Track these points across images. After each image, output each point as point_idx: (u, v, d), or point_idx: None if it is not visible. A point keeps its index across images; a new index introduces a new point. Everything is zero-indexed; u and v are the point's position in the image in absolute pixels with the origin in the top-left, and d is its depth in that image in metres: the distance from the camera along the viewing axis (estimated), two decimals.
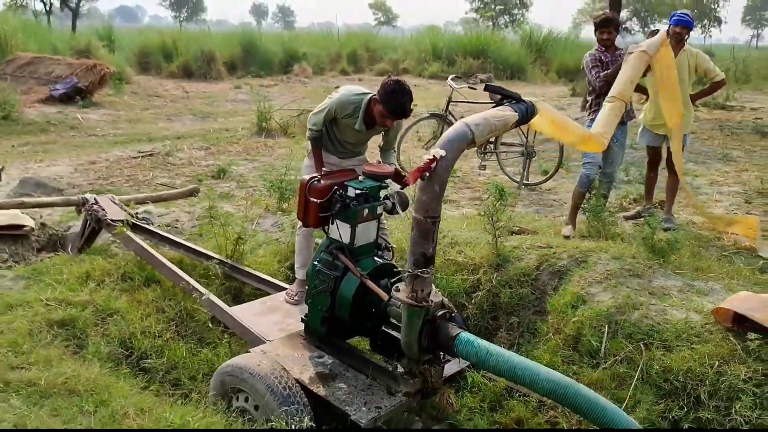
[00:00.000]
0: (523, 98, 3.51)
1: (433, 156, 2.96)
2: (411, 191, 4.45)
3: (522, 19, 50.17)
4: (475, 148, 8.11)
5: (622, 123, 5.47)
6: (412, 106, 4.01)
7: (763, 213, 6.38)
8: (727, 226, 5.37)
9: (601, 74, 5.43)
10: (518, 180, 7.76)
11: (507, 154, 8.08)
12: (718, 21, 53.61)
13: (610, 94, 4.52)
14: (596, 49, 5.64)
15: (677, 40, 5.64)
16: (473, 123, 3.15)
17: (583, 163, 5.65)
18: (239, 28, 33.92)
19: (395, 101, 3.90)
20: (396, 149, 4.26)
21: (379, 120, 4.05)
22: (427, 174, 2.96)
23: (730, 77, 22.06)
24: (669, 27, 5.73)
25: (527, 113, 3.47)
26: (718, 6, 52.45)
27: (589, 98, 5.83)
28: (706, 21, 53.73)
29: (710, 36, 57.79)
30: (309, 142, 4.40)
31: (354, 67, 25.11)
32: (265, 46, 23.97)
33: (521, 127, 7.38)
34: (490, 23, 45.54)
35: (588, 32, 53.72)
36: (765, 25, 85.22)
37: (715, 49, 46.42)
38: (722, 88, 6.71)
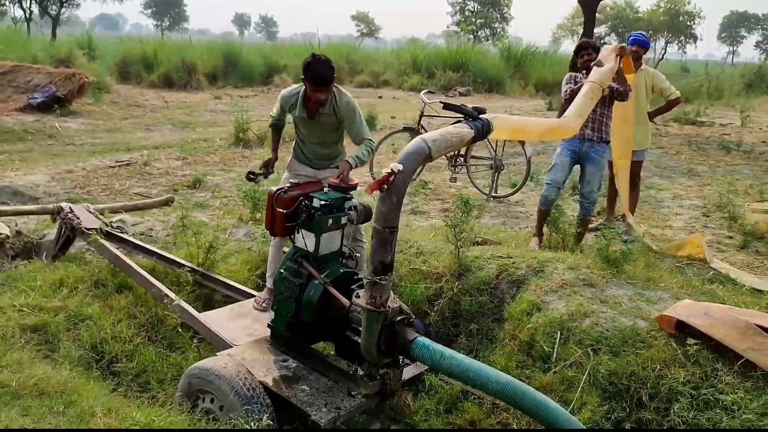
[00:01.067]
0: (480, 116, 3.72)
1: (392, 170, 3.14)
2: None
3: (502, 32, 50.82)
4: (446, 161, 8.33)
5: (600, 142, 5.57)
6: (335, 75, 4.20)
7: (718, 226, 6.64)
8: (677, 251, 5.56)
9: (569, 90, 5.46)
10: (487, 192, 7.98)
11: (477, 167, 8.31)
12: (694, 38, 54.62)
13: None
14: (575, 75, 5.69)
15: (635, 59, 5.90)
16: (430, 139, 3.33)
17: (546, 183, 5.74)
18: (221, 37, 34.07)
19: (312, 71, 4.13)
20: (367, 143, 4.36)
21: (312, 98, 4.25)
22: (386, 186, 3.14)
23: (702, 93, 22.71)
24: (627, 47, 5.98)
25: (483, 130, 3.67)
26: (693, 23, 53.41)
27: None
28: (682, 37, 54.74)
29: (685, 52, 58.91)
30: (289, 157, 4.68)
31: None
32: (247, 57, 24.11)
33: (490, 141, 7.69)
34: (471, 36, 46.06)
35: (567, 47, 54.43)
36: (741, 42, 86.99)
37: (691, 65, 47.48)
38: (678, 106, 7.02)
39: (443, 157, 8.32)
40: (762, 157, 10.99)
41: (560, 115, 5.56)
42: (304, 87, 4.30)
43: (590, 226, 6.43)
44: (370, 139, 4.43)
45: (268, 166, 4.63)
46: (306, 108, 4.36)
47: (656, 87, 6.25)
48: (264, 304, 4.41)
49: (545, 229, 5.74)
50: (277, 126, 4.78)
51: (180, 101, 18.05)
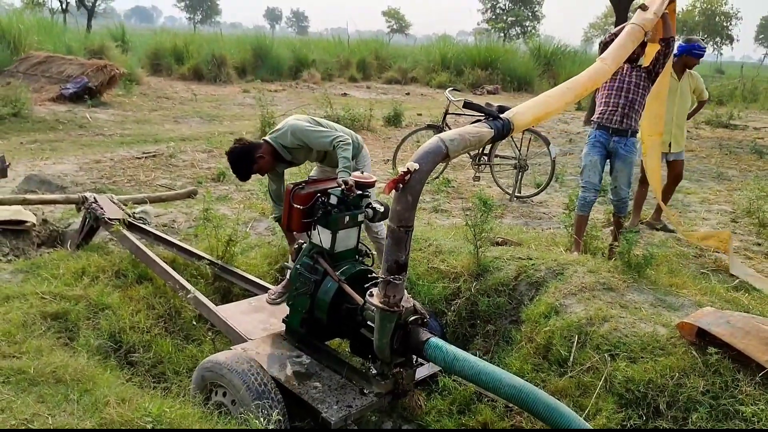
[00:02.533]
0: (500, 116, 3.67)
1: (408, 169, 3.12)
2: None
3: (533, 31, 50.36)
4: (470, 160, 8.28)
5: (628, 134, 5.28)
6: (255, 169, 4.40)
7: (747, 232, 6.49)
8: (701, 240, 5.50)
9: (609, 34, 5.05)
10: (510, 192, 7.91)
11: (500, 167, 8.24)
12: (730, 39, 53.56)
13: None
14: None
15: (689, 66, 5.98)
16: (448, 138, 3.30)
17: (581, 186, 5.54)
18: (253, 31, 34.28)
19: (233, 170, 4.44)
20: (337, 145, 4.28)
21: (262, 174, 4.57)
22: (401, 185, 3.12)
23: (737, 96, 22.27)
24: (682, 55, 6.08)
25: (503, 130, 3.63)
26: (730, 24, 52.35)
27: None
28: (717, 38, 53.71)
29: (721, 54, 57.76)
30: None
31: (363, 74, 25.35)
32: (276, 52, 24.22)
33: (514, 139, 7.62)
34: (502, 34, 45.72)
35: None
36: None
37: (726, 67, 46.52)
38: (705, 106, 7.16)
39: (467, 155, 8.30)
40: None
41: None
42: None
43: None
44: (338, 138, 4.28)
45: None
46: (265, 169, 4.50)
47: (697, 89, 6.30)
48: (273, 297, 4.43)
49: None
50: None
51: (209, 94, 18.22)
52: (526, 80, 24.44)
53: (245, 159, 4.31)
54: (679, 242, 6.02)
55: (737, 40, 54.82)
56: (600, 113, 5.39)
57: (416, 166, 3.14)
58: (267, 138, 4.40)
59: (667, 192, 6.62)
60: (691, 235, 5.61)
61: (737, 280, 4.93)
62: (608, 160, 5.47)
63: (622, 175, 5.41)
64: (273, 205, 4.66)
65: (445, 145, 3.25)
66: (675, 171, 6.64)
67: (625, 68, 5.27)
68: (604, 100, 5.39)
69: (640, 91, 5.26)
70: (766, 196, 7.44)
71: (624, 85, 5.26)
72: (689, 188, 8.50)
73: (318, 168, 4.82)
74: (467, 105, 3.95)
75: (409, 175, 3.11)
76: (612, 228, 5.62)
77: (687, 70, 6.35)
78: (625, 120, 5.27)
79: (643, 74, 5.24)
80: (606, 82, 5.26)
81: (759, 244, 6.05)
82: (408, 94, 21.48)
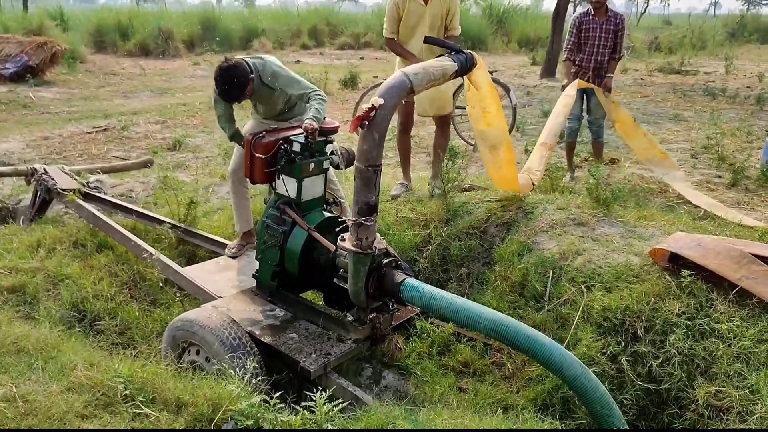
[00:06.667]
0: (463, 50, 3.59)
1: (372, 105, 3.01)
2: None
3: None
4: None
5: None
6: (247, 93, 3.91)
7: (707, 167, 6.58)
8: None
9: (566, 52, 6.19)
10: (473, 143, 7.85)
11: (462, 118, 8.16)
12: None
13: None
14: (584, 13, 6.06)
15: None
16: (412, 72, 3.20)
17: (567, 118, 6.03)
18: (198, 7, 33.31)
19: (220, 90, 3.85)
20: (314, 95, 3.95)
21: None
22: (367, 123, 3.01)
23: (686, 44, 22.59)
24: None
25: (467, 63, 3.55)
26: None
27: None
28: None
29: (669, 5, 58.42)
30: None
31: (315, 41, 24.91)
32: (225, 23, 23.60)
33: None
34: None
35: (549, 4, 53.72)
36: None
37: (673, 18, 47.11)
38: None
39: None
40: (747, 101, 10.92)
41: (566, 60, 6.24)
42: None
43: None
44: (317, 91, 4.01)
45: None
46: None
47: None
48: (233, 250, 4.33)
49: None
50: (236, 135, 4.20)
51: (158, 69, 17.65)
52: (480, 39, 24.30)
53: (242, 77, 3.82)
54: (643, 179, 6.06)
55: None
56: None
57: (381, 101, 3.03)
58: (248, 61, 3.97)
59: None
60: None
61: (702, 211, 4.97)
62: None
63: (597, 108, 6.10)
64: (225, 127, 4.19)
65: (409, 79, 3.15)
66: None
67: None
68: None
69: (608, 49, 6.01)
70: (722, 133, 7.56)
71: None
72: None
73: (254, 122, 4.39)
74: (428, 40, 3.85)
75: (374, 112, 3.01)
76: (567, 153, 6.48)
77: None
78: (597, 79, 6.03)
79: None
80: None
81: (719, 177, 6.13)
82: (362, 58, 21.19)
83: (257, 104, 4.26)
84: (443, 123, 5.28)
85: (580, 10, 6.27)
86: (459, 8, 4.66)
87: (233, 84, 3.80)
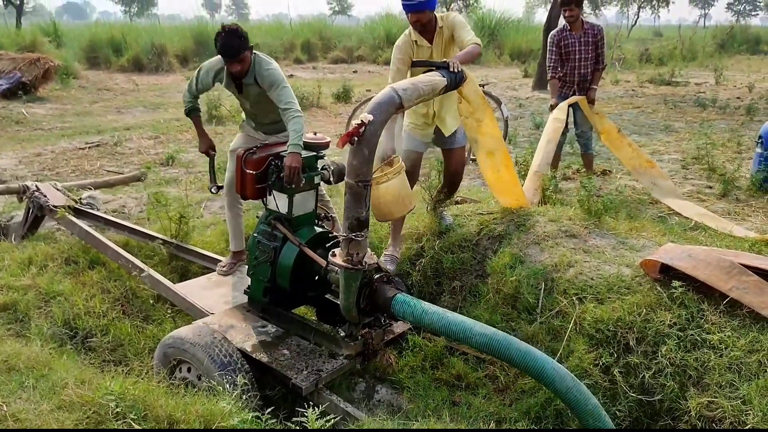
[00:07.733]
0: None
1: (362, 120, 3.02)
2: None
3: (475, 4, 50.45)
4: None
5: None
6: (246, 44, 3.91)
7: (698, 177, 6.62)
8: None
9: (550, 71, 6.17)
10: (471, 158, 7.87)
11: None
12: (666, 2, 54.55)
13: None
14: (561, 29, 6.09)
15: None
16: (401, 88, 3.22)
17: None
18: (192, 22, 33.43)
19: (220, 43, 3.85)
20: (290, 114, 3.89)
21: (229, 69, 4.01)
22: (356, 138, 3.02)
23: (676, 55, 22.78)
24: None
25: (456, 79, 3.57)
26: None
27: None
28: (655, 2, 54.63)
29: (659, 17, 58.89)
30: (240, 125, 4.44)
31: (308, 55, 25.03)
32: None
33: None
34: (445, 9, 45.66)
35: (541, 16, 54.24)
36: (712, 5, 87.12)
37: (664, 30, 47.54)
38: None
39: None
40: (737, 111, 11.01)
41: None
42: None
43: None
44: (294, 108, 3.92)
45: (209, 153, 4.41)
46: (232, 79, 4.11)
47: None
48: (225, 269, 4.32)
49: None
50: (194, 110, 4.37)
51: (151, 84, 17.71)
52: None
53: (244, 37, 3.87)
54: (634, 190, 6.09)
55: (673, 2, 55.85)
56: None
57: (370, 117, 3.04)
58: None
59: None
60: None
61: (693, 222, 5.00)
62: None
63: (584, 121, 6.18)
64: (187, 99, 4.30)
65: (398, 94, 3.16)
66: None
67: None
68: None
69: (591, 63, 6.14)
70: (713, 143, 7.61)
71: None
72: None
73: (243, 135, 4.47)
74: (415, 64, 3.91)
75: (363, 128, 3.02)
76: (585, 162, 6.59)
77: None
78: (581, 93, 6.14)
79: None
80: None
81: (710, 187, 6.16)
82: (355, 72, 21.29)
83: (248, 106, 4.29)
84: None
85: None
86: (462, 21, 4.41)
87: (235, 36, 3.84)
